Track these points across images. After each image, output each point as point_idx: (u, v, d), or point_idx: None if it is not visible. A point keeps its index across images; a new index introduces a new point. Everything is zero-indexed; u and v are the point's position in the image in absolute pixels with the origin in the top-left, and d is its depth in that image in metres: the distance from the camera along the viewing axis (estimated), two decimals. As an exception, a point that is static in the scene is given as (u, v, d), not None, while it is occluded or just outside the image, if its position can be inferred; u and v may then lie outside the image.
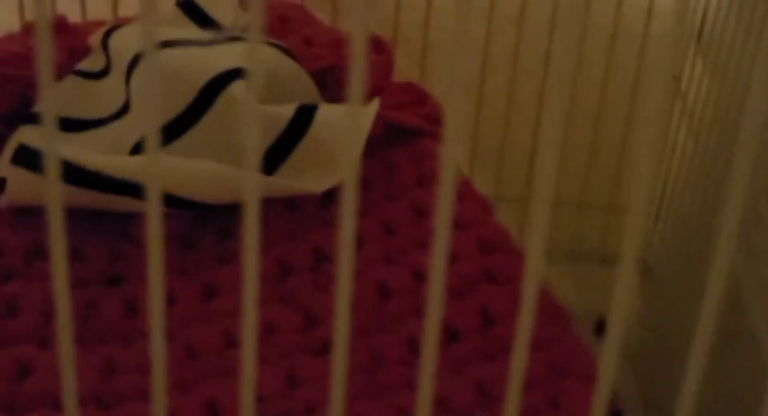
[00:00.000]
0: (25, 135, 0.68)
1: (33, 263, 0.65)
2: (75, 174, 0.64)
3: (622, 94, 0.99)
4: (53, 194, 0.35)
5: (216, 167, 0.66)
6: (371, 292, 0.63)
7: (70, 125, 0.75)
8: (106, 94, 0.77)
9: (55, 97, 0.77)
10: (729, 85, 0.82)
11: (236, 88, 0.71)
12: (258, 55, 0.73)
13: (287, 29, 0.84)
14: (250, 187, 0.33)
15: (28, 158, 0.64)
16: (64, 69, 0.79)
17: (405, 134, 0.76)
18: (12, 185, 0.65)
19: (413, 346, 0.60)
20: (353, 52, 0.32)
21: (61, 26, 0.83)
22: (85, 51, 0.81)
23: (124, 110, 0.75)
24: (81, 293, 0.63)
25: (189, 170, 0.67)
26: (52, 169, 0.35)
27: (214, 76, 0.72)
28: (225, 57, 0.74)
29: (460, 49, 0.30)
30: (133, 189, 0.65)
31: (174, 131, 0.72)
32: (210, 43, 0.77)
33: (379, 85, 0.79)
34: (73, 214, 0.45)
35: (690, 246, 0.88)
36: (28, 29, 0.83)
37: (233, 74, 0.72)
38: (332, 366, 0.32)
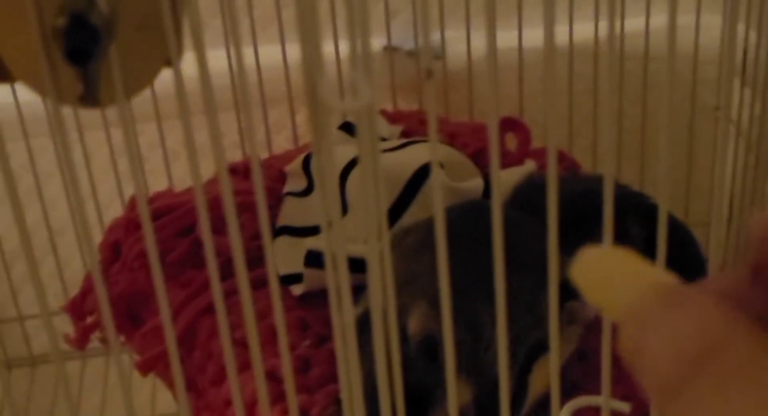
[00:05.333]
0: (307, 243, 0.87)
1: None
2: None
3: (682, 133, 1.20)
4: (342, 280, 0.51)
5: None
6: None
7: (302, 232, 0.94)
8: (316, 207, 0.96)
9: (285, 213, 0.97)
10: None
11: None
12: (439, 150, 0.95)
13: (433, 129, 1.05)
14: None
15: (316, 259, 0.84)
16: (273, 192, 0.99)
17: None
18: (307, 280, 0.85)
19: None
20: (490, 135, 0.49)
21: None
22: (284, 177, 1.01)
23: (343, 212, 0.93)
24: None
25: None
26: (341, 263, 0.51)
27: (414, 170, 0.91)
28: (415, 156, 0.94)
29: None
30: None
31: (390, 219, 0.91)
32: (397, 148, 0.97)
33: (523, 153, 1.00)
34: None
35: None
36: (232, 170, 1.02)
37: (428, 166, 0.92)
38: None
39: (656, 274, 0.27)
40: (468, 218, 0.78)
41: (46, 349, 1.22)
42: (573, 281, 0.28)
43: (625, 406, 0.56)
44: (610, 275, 0.27)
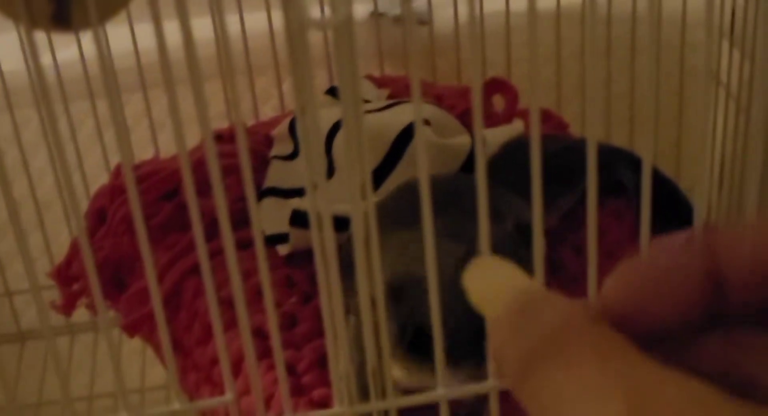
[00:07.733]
0: (292, 203, 0.86)
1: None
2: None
3: (672, 98, 1.19)
4: (327, 239, 0.50)
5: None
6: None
7: (288, 194, 0.93)
8: (302, 170, 0.96)
9: (271, 176, 0.96)
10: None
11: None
12: (424, 108, 0.94)
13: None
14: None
15: (301, 219, 0.83)
16: (259, 155, 0.98)
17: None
18: (293, 239, 0.84)
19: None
20: (474, 96, 0.48)
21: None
22: (270, 141, 1.00)
23: (329, 174, 0.93)
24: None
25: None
26: (327, 222, 0.51)
27: (400, 130, 0.91)
28: (401, 116, 0.93)
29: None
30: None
31: (377, 179, 0.90)
32: (381, 109, 0.96)
33: (511, 113, 0.99)
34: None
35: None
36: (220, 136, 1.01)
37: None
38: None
39: (526, 285, 0.29)
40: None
41: (34, 325, 1.21)
42: (465, 286, 0.30)
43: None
44: (491, 286, 0.29)
